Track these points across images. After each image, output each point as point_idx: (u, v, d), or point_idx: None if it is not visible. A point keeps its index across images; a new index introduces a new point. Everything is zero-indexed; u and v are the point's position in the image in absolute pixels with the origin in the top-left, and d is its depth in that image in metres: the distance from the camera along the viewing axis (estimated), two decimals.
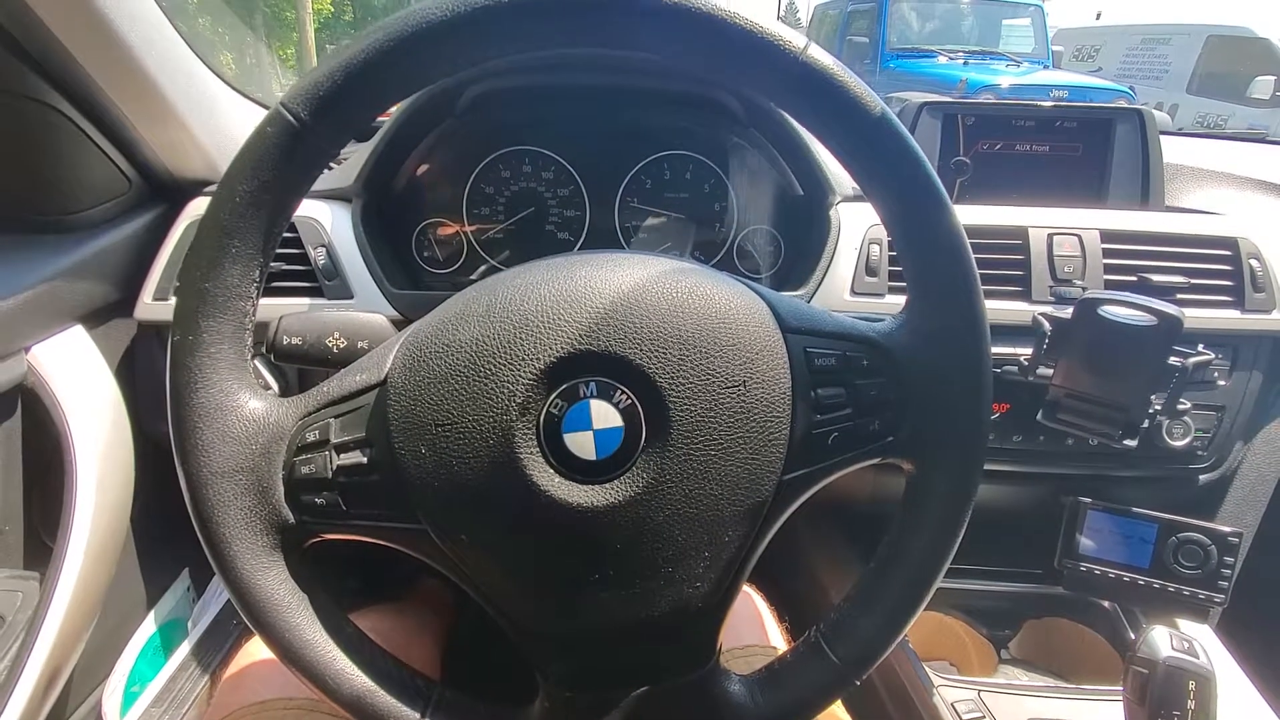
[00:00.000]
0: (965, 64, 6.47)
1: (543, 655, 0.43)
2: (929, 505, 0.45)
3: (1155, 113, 0.87)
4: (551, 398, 0.38)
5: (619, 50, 0.40)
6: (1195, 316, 0.74)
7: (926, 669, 0.75)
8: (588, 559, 0.39)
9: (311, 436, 0.41)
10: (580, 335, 0.38)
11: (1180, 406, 0.60)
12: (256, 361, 0.66)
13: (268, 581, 0.41)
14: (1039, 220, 0.75)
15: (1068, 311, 0.65)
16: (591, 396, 0.38)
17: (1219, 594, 0.73)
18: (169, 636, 0.86)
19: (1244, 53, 6.59)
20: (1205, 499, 0.80)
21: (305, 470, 0.40)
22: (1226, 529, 0.73)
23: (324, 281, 0.70)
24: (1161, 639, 0.59)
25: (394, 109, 0.70)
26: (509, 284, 0.41)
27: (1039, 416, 0.69)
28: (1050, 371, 0.67)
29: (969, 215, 0.76)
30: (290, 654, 0.41)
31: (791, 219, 0.82)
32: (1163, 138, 0.85)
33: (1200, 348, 0.59)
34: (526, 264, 0.43)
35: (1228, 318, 0.74)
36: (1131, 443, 0.64)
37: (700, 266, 0.44)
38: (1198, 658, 0.58)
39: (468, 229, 0.79)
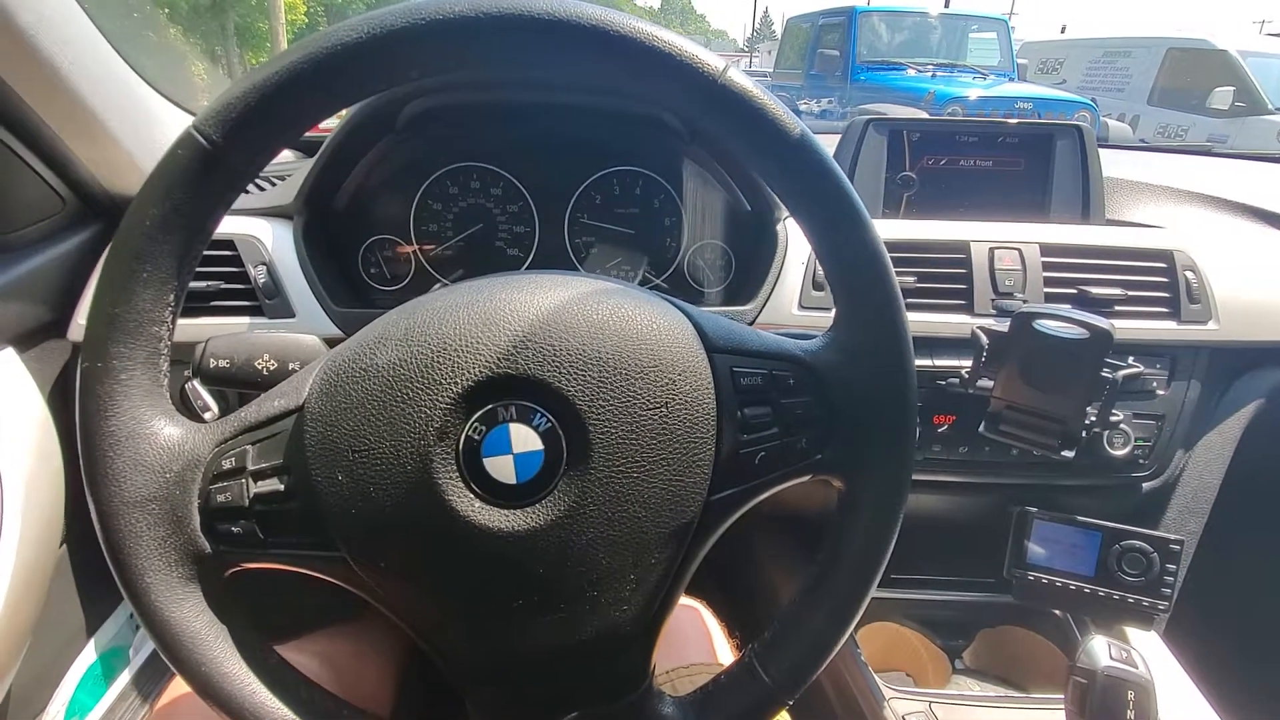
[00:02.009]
0: (933, 77, 6.61)
1: (469, 682, 0.43)
2: (858, 521, 0.45)
3: (1115, 124, 0.88)
4: (470, 422, 0.38)
5: (541, 73, 0.40)
6: (1133, 328, 0.75)
7: (879, 681, 0.75)
8: (510, 584, 0.39)
9: (228, 464, 0.40)
10: (499, 358, 0.38)
11: (1114, 418, 0.61)
12: (197, 384, 0.65)
13: (183, 614, 0.39)
14: (981, 235, 0.76)
15: (1006, 325, 0.66)
16: (511, 420, 0.38)
17: (1162, 601, 0.74)
18: (110, 665, 0.84)
19: (1203, 64, 6.78)
20: (1149, 507, 0.82)
21: (221, 498, 0.39)
22: (1168, 536, 0.74)
23: (264, 300, 0.69)
24: (1100, 649, 0.60)
25: (334, 125, 0.69)
26: (428, 307, 0.41)
27: (981, 429, 0.70)
28: (991, 384, 0.68)
29: (912, 230, 0.77)
30: (208, 688, 0.40)
31: (741, 234, 0.82)
32: (1115, 151, 0.87)
33: (1130, 360, 0.61)
34: (450, 286, 0.43)
35: (1165, 329, 0.75)
36: (1069, 454, 0.65)
37: (625, 286, 0.44)
38: (1136, 667, 0.59)
39: (416, 246, 0.78)
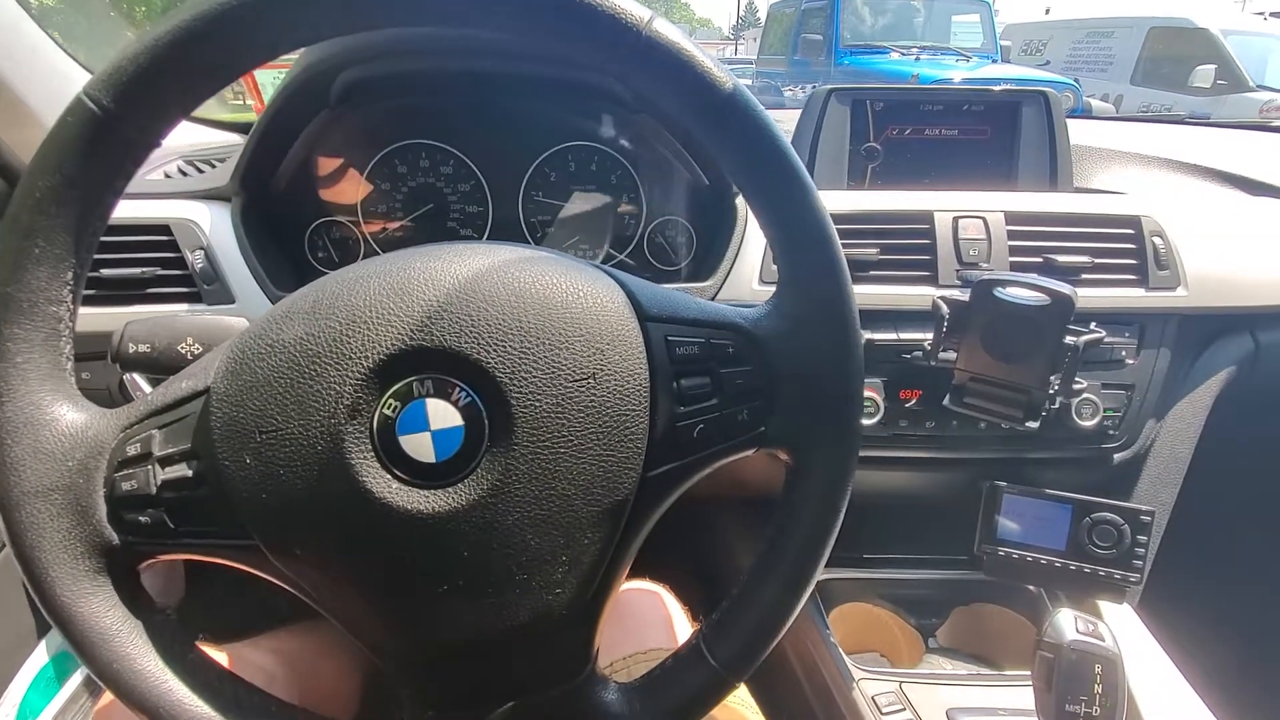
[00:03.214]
0: (917, 59, 6.59)
1: (398, 673, 0.41)
2: (805, 496, 0.43)
3: (1098, 103, 0.87)
4: (384, 398, 0.36)
5: (455, 27, 0.38)
6: (1101, 296, 0.74)
7: (849, 662, 0.74)
8: (433, 569, 0.37)
9: (133, 449, 0.38)
10: (412, 330, 0.36)
11: (1077, 386, 0.59)
12: (137, 376, 0.63)
13: (92, 608, 0.37)
14: (944, 204, 0.75)
15: (968, 295, 0.64)
16: (427, 395, 0.36)
17: (1134, 573, 0.73)
18: (63, 666, 0.81)
19: (1185, 43, 6.79)
20: (1121, 478, 0.80)
21: (127, 486, 0.37)
22: (1138, 507, 0.73)
23: (202, 286, 0.67)
24: (1067, 623, 0.58)
25: (267, 100, 0.67)
26: (339, 279, 0.39)
27: (945, 401, 0.68)
28: (954, 356, 0.66)
29: (874, 201, 0.75)
30: (121, 687, 0.38)
31: (702, 209, 0.80)
32: (1086, 121, 0.85)
33: (1093, 325, 0.59)
34: (365, 260, 0.40)
35: (1133, 296, 0.74)
36: (1034, 424, 0.63)
37: (552, 254, 0.42)
38: (1103, 640, 0.58)
39: (364, 228, 0.76)
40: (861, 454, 0.77)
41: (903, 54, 6.74)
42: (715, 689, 0.43)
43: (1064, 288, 0.58)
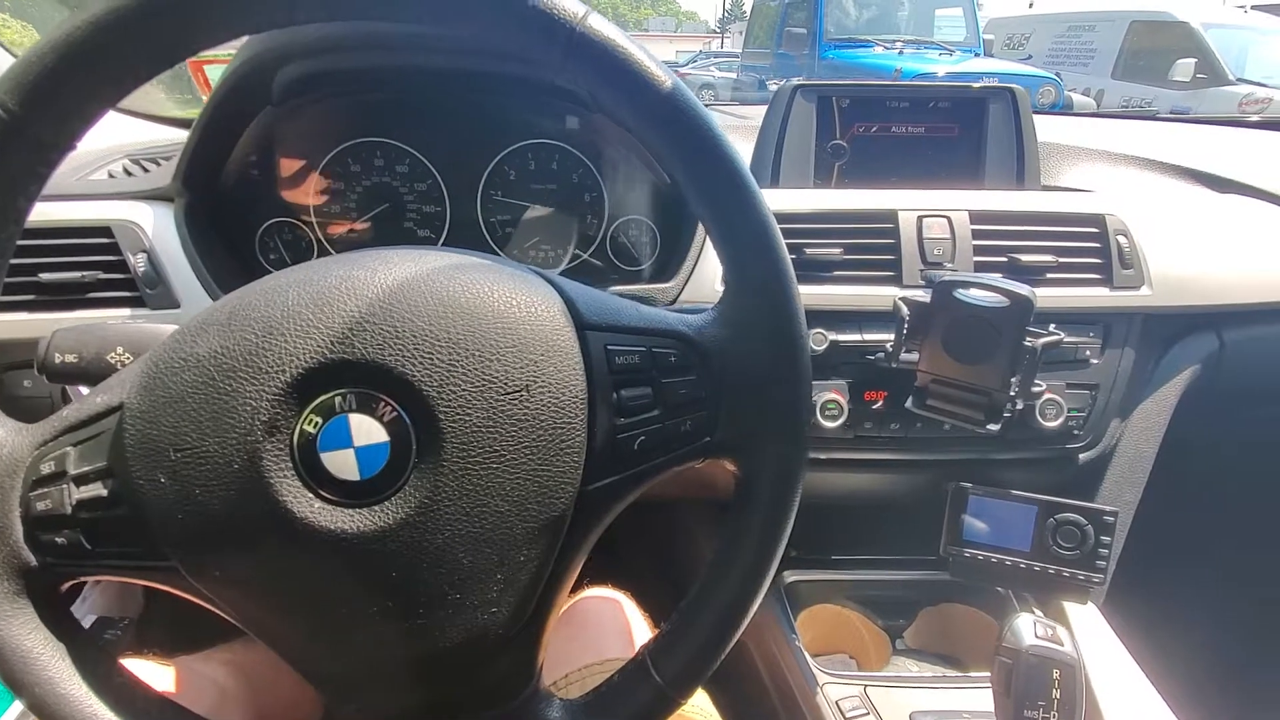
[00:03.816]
0: (900, 53, 6.59)
1: (331, 697, 0.39)
2: (753, 506, 0.42)
3: (1079, 98, 0.86)
4: (305, 414, 0.34)
5: (382, 20, 0.36)
6: (1065, 296, 0.73)
7: (814, 666, 0.73)
8: (361, 590, 0.35)
9: (47, 468, 0.36)
10: (333, 342, 0.34)
11: (1036, 388, 0.59)
12: (82, 388, 0.61)
13: (13, 631, 0.36)
14: (909, 203, 0.74)
15: (929, 295, 0.63)
16: (350, 410, 0.34)
17: (1097, 574, 0.73)
18: None
19: (1165, 36, 6.83)
20: (1086, 478, 0.80)
21: (42, 506, 0.36)
22: (1102, 508, 0.72)
23: (145, 290, 0.65)
24: (1025, 627, 0.58)
25: (207, 96, 0.65)
26: (259, 288, 0.37)
27: (908, 404, 0.67)
28: (916, 357, 0.65)
29: (838, 199, 0.75)
30: (45, 712, 0.36)
31: (665, 208, 0.79)
32: (1054, 118, 0.85)
33: (1051, 327, 0.58)
34: (289, 268, 0.39)
35: (1097, 296, 0.74)
36: (995, 427, 0.63)
37: (485, 259, 0.40)
38: (1062, 645, 0.57)
39: (318, 229, 0.74)
40: (826, 456, 0.77)
41: (886, 48, 6.75)
42: (660, 707, 0.42)
43: (1023, 289, 0.58)
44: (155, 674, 0.60)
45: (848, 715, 0.68)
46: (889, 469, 0.79)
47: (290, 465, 0.34)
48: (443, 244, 0.76)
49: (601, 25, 0.36)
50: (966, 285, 0.60)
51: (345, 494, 0.34)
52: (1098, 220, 0.75)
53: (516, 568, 0.37)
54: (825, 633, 0.85)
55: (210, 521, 0.34)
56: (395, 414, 0.35)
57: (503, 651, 0.39)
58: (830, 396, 0.71)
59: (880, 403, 0.74)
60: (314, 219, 0.73)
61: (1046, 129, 0.88)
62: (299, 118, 0.70)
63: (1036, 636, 0.57)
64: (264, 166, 0.71)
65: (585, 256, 0.79)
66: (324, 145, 0.72)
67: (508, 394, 0.36)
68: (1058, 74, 6.49)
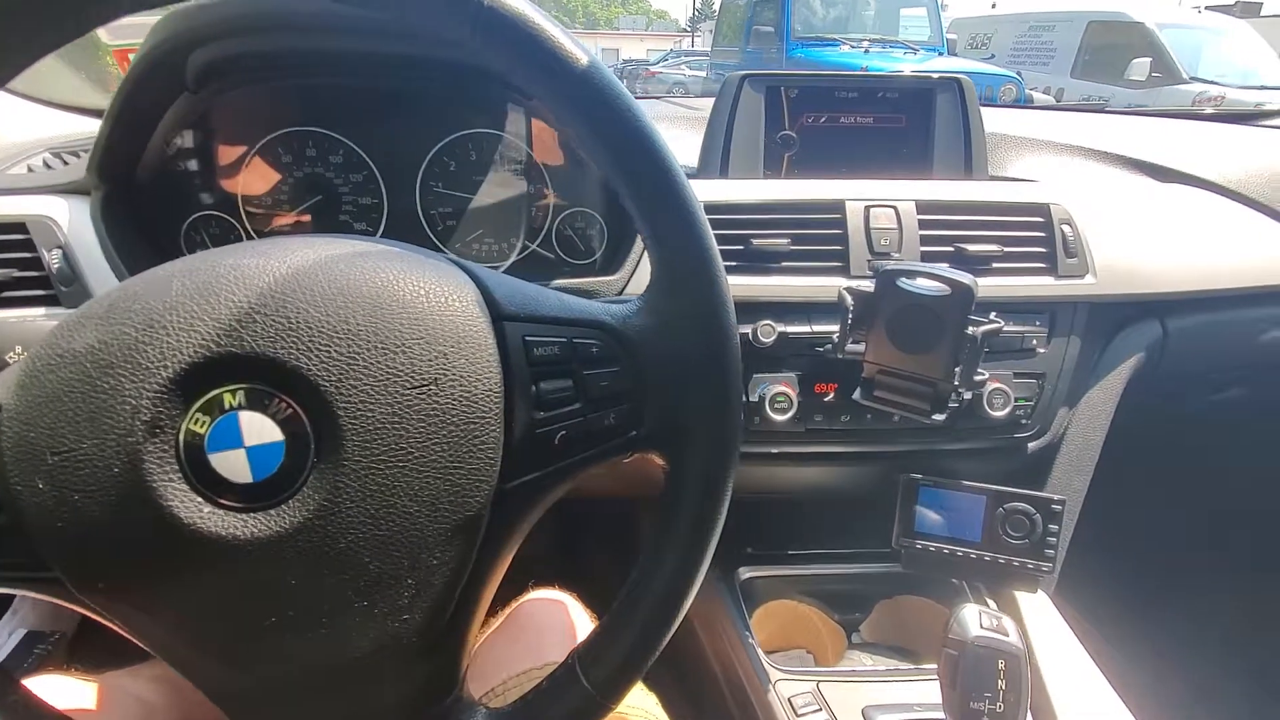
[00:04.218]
0: (866, 51, 6.67)
1: (236, 716, 0.37)
2: (683, 502, 0.41)
3: (1040, 96, 0.86)
4: (190, 413, 0.32)
5: None
6: (1011, 285, 0.73)
7: (766, 663, 0.72)
8: (258, 600, 0.33)
9: None
10: (219, 335, 0.32)
11: (979, 377, 0.58)
12: None
13: None
14: (856, 193, 0.73)
15: (873, 286, 0.63)
16: (240, 408, 0.32)
17: (1046, 563, 0.73)
18: None
19: (1122, 36, 6.99)
20: (1036, 467, 0.80)
21: None
22: (1050, 496, 0.72)
23: (60, 288, 0.61)
24: (971, 618, 0.57)
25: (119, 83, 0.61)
26: (144, 279, 0.35)
27: (855, 395, 0.67)
28: (862, 348, 0.65)
29: (784, 190, 0.74)
30: None
31: (612, 199, 0.77)
32: (1005, 110, 0.85)
33: (992, 315, 0.58)
34: (179, 259, 0.36)
35: (1042, 284, 0.74)
36: (940, 417, 0.62)
37: (394, 246, 0.38)
38: (1007, 636, 0.57)
39: (247, 222, 0.71)
40: (778, 450, 0.76)
41: (853, 46, 6.83)
42: (588, 712, 0.41)
43: (964, 277, 0.57)
44: (76, 691, 0.57)
45: (800, 713, 0.67)
46: (841, 462, 0.78)
47: (176, 468, 0.32)
48: (380, 237, 0.73)
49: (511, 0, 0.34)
50: (910, 274, 0.60)
51: (237, 497, 0.32)
52: (1042, 210, 0.75)
53: (429, 571, 0.35)
54: (782, 628, 0.84)
55: (91, 530, 0.32)
56: (290, 411, 0.32)
57: (419, 660, 0.37)
58: (780, 389, 0.70)
59: (831, 395, 0.73)
60: (243, 212, 0.70)
61: (1000, 121, 0.88)
62: (223, 106, 0.67)
63: (982, 627, 0.57)
64: (187, 157, 0.68)
65: (534, 247, 0.77)
66: (252, 134, 0.69)
67: (414, 388, 0.34)
68: (1019, 73, 6.61)
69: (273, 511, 0.32)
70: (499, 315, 0.37)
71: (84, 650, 0.86)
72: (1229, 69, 6.65)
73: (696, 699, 0.79)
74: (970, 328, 0.57)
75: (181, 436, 0.32)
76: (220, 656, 0.35)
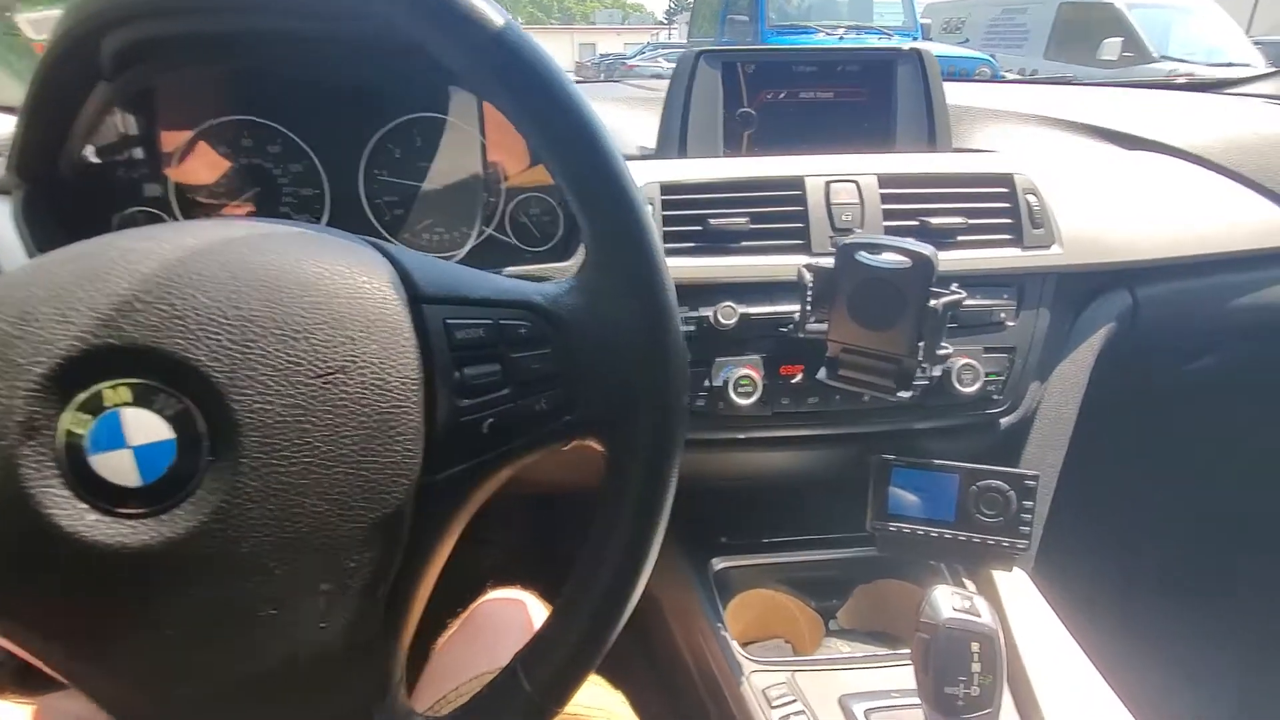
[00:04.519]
0: (841, 38, 6.67)
1: None
2: (624, 494, 0.39)
3: (1013, 78, 0.84)
4: (69, 411, 0.29)
5: None
6: (977, 258, 0.71)
7: (740, 655, 0.70)
8: (152, 612, 0.30)
9: None
10: (97, 325, 0.29)
11: (943, 350, 0.57)
12: None
13: None
14: (816, 169, 0.71)
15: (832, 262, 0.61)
16: (123, 405, 0.29)
17: (1021, 540, 0.71)
18: None
19: (1093, 17, 7.03)
20: (1009, 444, 0.79)
21: None
22: (1024, 472, 0.71)
23: None
24: (943, 600, 0.56)
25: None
26: (24, 269, 0.32)
27: (820, 375, 0.65)
28: (825, 327, 0.63)
29: (742, 168, 0.71)
30: None
31: None
32: (978, 85, 0.83)
33: (954, 286, 0.56)
34: (64, 247, 0.34)
35: (1009, 256, 0.72)
36: (905, 394, 0.60)
37: (303, 228, 0.35)
38: (979, 617, 0.55)
39: (180, 218, 0.67)
40: (745, 435, 0.74)
41: (828, 34, 6.82)
42: (531, 718, 0.38)
43: (924, 249, 0.55)
44: (10, 716, 0.55)
45: (774, 704, 0.66)
46: (812, 445, 0.76)
47: (55, 472, 0.29)
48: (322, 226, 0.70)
49: None
50: (869, 248, 0.58)
51: (125, 502, 0.29)
52: (1006, 180, 0.73)
53: (346, 575, 0.32)
54: (759, 618, 0.82)
55: None
56: (180, 406, 0.30)
57: (343, 670, 0.35)
58: (743, 373, 0.68)
59: (798, 377, 0.71)
60: (175, 207, 0.67)
61: (965, 95, 0.86)
62: (146, 94, 0.63)
63: (954, 609, 0.55)
64: (112, 151, 0.64)
65: (489, 232, 0.74)
66: (180, 124, 0.65)
67: (319, 376, 0.31)
68: (993, 55, 6.64)
69: (165, 516, 0.29)
70: (417, 297, 0.35)
71: (35, 672, 0.83)
72: (1197, 47, 6.71)
73: (670, 694, 0.77)
74: (932, 300, 0.55)
75: (60, 438, 0.29)
76: (122, 676, 0.32)
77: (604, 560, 0.38)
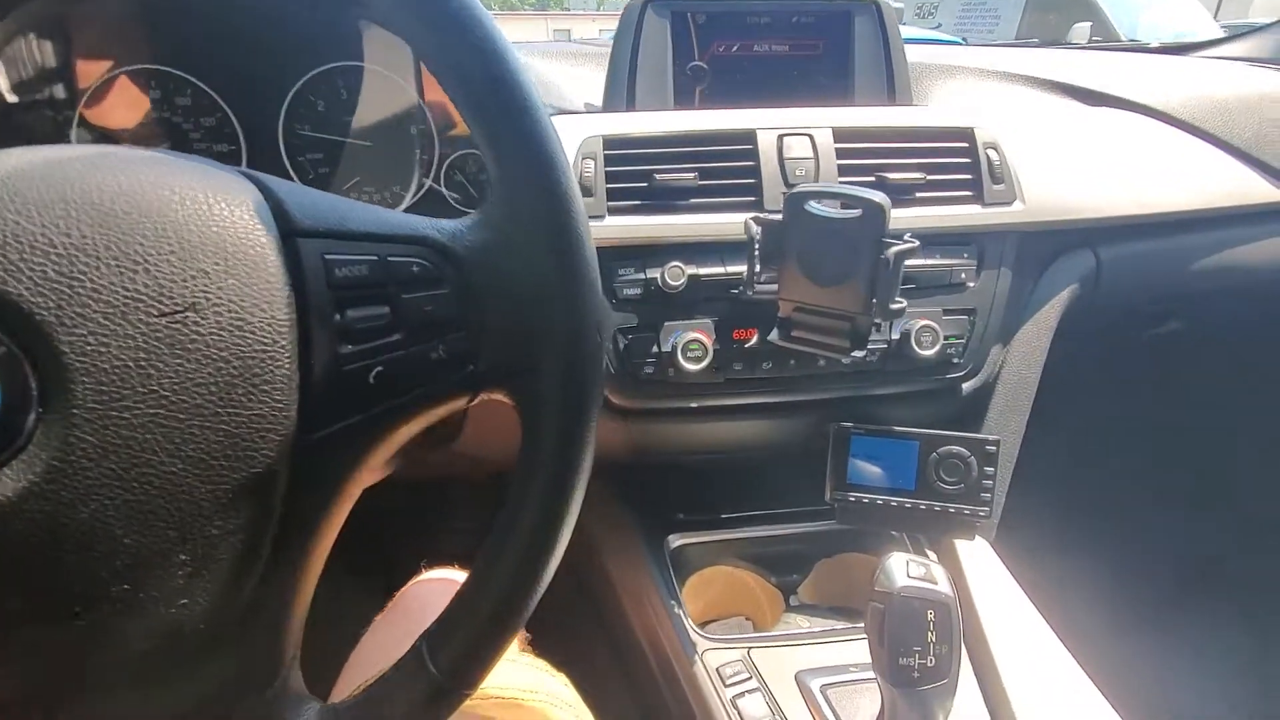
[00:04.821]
0: None
1: None
2: (537, 447, 0.35)
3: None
4: None
5: None
6: (937, 215, 0.68)
7: (693, 633, 0.67)
8: None
9: None
10: None
11: (895, 305, 0.53)
12: None
13: None
14: (768, 122, 0.67)
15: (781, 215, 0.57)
16: None
17: (983, 507, 0.69)
18: None
19: (1063, 1, 7.07)
20: (971, 409, 0.76)
21: None
22: (985, 437, 0.68)
23: None
24: (898, 568, 0.53)
25: None
26: None
27: (772, 337, 0.61)
28: (775, 286, 0.59)
29: (690, 121, 0.67)
30: None
31: None
32: (945, 47, 0.80)
33: (906, 236, 0.53)
34: None
35: (969, 214, 0.69)
36: (860, 354, 0.57)
37: (154, 152, 0.31)
38: (936, 584, 0.53)
39: None
40: (698, 404, 0.70)
41: None
42: (438, 703, 0.35)
43: (876, 195, 0.52)
44: None
45: (729, 681, 0.63)
46: (768, 414, 0.73)
47: None
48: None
49: None
50: (819, 196, 0.54)
51: None
52: (966, 134, 0.70)
53: (209, 544, 0.28)
54: (718, 596, 0.79)
55: None
56: (2, 349, 0.25)
57: (215, 652, 0.31)
58: (693, 336, 0.64)
59: (751, 341, 0.67)
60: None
61: (926, 53, 0.83)
62: (40, 40, 0.58)
63: (909, 576, 0.52)
64: (28, 88, 0.58)
65: (430, 184, 0.70)
66: (81, 73, 0.60)
67: (163, 315, 0.27)
68: (965, 39, 6.65)
69: None
70: (291, 230, 0.30)
71: None
72: (1165, 32, 6.77)
73: (623, 676, 0.74)
74: (884, 251, 0.52)
75: None
76: None
77: (515, 528, 0.35)
